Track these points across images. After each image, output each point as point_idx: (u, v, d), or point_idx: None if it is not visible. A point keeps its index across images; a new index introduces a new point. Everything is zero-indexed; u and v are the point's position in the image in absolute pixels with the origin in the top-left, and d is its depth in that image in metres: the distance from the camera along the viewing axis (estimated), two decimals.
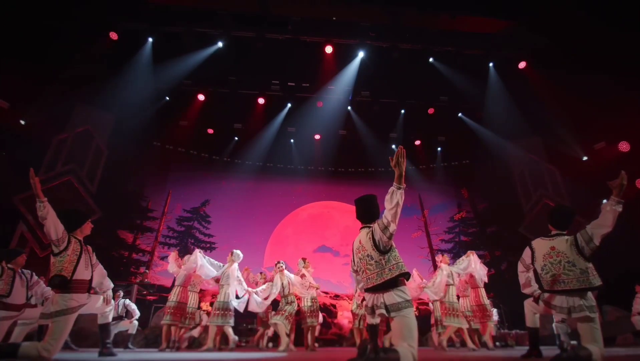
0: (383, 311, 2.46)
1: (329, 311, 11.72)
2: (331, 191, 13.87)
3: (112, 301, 3.63)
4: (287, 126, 12.74)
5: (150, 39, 10.00)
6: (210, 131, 12.74)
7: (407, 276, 2.53)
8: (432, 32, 10.40)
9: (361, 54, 10.54)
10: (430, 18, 10.30)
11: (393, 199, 2.45)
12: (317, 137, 13.24)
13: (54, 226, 3.01)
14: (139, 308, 7.74)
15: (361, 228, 2.80)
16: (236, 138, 13.06)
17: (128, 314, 7.09)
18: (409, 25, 10.30)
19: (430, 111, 12.17)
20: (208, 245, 12.46)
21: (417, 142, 13.64)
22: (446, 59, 10.78)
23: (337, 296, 12.27)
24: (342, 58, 10.78)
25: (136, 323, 7.01)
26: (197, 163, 13.12)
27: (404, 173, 2.45)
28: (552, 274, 3.15)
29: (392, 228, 2.48)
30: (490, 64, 10.96)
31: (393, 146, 13.66)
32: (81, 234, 3.35)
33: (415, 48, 10.54)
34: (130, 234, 11.73)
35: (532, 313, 3.56)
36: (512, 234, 11.12)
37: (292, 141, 13.46)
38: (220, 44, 10.14)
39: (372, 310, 2.57)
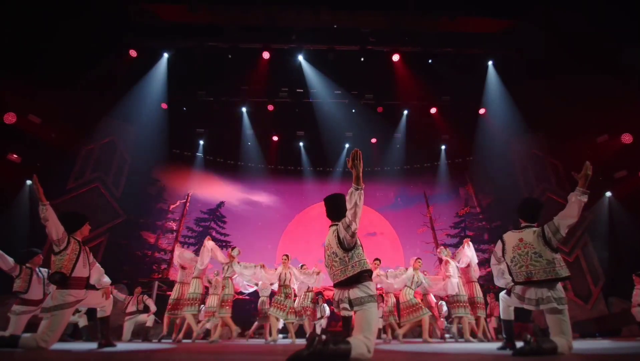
0: (346, 305, 2.43)
1: None
2: (339, 190, 13.75)
3: (112, 296, 3.73)
4: (296, 130, 12.84)
5: (165, 55, 10.25)
6: (225, 137, 12.96)
7: (369, 273, 2.50)
8: (431, 34, 10.20)
9: (362, 59, 10.47)
10: (429, 21, 10.11)
11: (352, 200, 2.41)
12: (325, 139, 13.23)
13: (54, 227, 3.13)
14: (158, 303, 7.95)
15: (330, 226, 2.77)
16: (249, 143, 13.21)
17: (146, 308, 7.30)
18: (408, 29, 10.14)
19: (433, 110, 11.98)
20: (224, 244, 12.66)
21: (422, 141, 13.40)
22: (446, 59, 10.56)
23: None
24: (345, 63, 10.73)
25: (153, 316, 7.20)
26: (213, 168, 13.37)
27: (361, 174, 2.41)
28: (520, 265, 3.03)
29: (354, 226, 2.45)
30: (490, 63, 10.65)
31: (398, 146, 13.55)
32: (80, 235, 3.47)
33: (415, 51, 10.39)
34: (152, 235, 12.06)
35: (506, 305, 3.43)
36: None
37: (301, 144, 13.52)
38: (229, 56, 10.30)
39: (337, 304, 2.55)
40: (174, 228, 12.54)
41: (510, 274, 3.19)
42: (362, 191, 2.42)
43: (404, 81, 11.08)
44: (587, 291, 9.73)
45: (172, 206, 12.71)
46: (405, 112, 12.18)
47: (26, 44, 7.68)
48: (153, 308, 7.27)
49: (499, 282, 3.42)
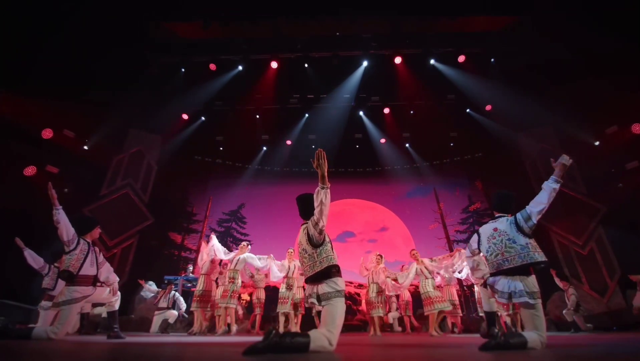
0: (314, 300, 2.44)
1: (353, 299, 11.68)
2: (351, 189, 13.75)
3: (118, 292, 3.91)
4: (308, 133, 12.89)
5: (182, 69, 10.61)
6: (242, 143, 13.22)
7: (337, 268, 2.50)
8: (432, 35, 9.97)
9: (365, 63, 10.41)
10: (429, 22, 9.89)
11: (318, 198, 2.43)
12: (336, 141, 13.20)
13: (65, 229, 3.34)
14: (184, 299, 8.22)
15: (302, 225, 2.81)
16: (264, 148, 13.43)
17: (175, 305, 7.57)
18: (408, 32, 9.97)
19: (439, 108, 11.65)
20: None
21: (430, 140, 13.11)
22: (448, 59, 10.30)
23: (360, 286, 12.15)
24: (350, 68, 10.73)
25: (177, 313, 7.43)
26: (232, 172, 13.65)
27: (325, 174, 2.42)
28: (496, 254, 2.91)
29: (321, 224, 2.46)
30: (492, 60, 10.28)
31: (407, 145, 13.32)
32: (91, 237, 3.66)
33: (416, 52, 10.20)
34: (178, 236, 12.49)
35: (486, 297, 3.30)
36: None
37: (313, 147, 13.54)
38: (240, 68, 10.52)
39: (307, 299, 2.57)
40: (199, 228, 12.92)
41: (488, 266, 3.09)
42: (328, 190, 2.43)
43: (408, 82, 10.91)
44: (602, 285, 9.23)
45: (195, 209, 13.12)
46: (412, 112, 11.95)
47: (56, 67, 8.16)
48: (183, 305, 7.52)
49: (475, 274, 3.32)
